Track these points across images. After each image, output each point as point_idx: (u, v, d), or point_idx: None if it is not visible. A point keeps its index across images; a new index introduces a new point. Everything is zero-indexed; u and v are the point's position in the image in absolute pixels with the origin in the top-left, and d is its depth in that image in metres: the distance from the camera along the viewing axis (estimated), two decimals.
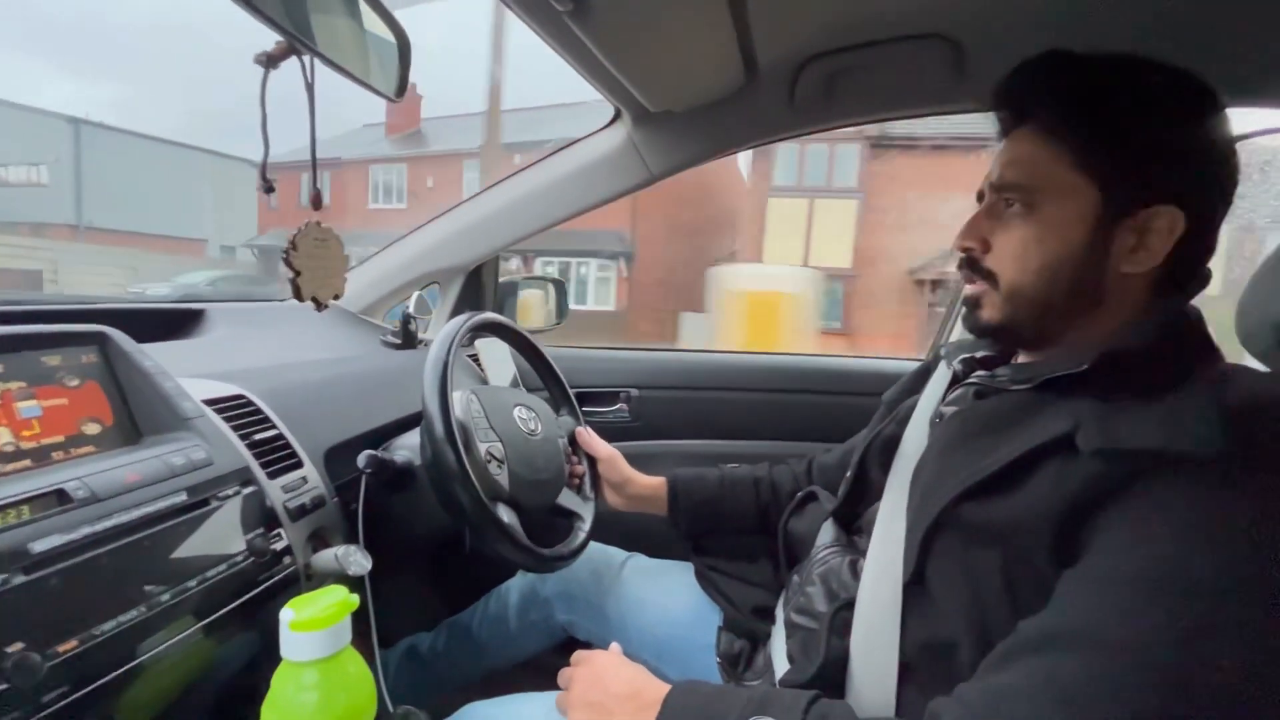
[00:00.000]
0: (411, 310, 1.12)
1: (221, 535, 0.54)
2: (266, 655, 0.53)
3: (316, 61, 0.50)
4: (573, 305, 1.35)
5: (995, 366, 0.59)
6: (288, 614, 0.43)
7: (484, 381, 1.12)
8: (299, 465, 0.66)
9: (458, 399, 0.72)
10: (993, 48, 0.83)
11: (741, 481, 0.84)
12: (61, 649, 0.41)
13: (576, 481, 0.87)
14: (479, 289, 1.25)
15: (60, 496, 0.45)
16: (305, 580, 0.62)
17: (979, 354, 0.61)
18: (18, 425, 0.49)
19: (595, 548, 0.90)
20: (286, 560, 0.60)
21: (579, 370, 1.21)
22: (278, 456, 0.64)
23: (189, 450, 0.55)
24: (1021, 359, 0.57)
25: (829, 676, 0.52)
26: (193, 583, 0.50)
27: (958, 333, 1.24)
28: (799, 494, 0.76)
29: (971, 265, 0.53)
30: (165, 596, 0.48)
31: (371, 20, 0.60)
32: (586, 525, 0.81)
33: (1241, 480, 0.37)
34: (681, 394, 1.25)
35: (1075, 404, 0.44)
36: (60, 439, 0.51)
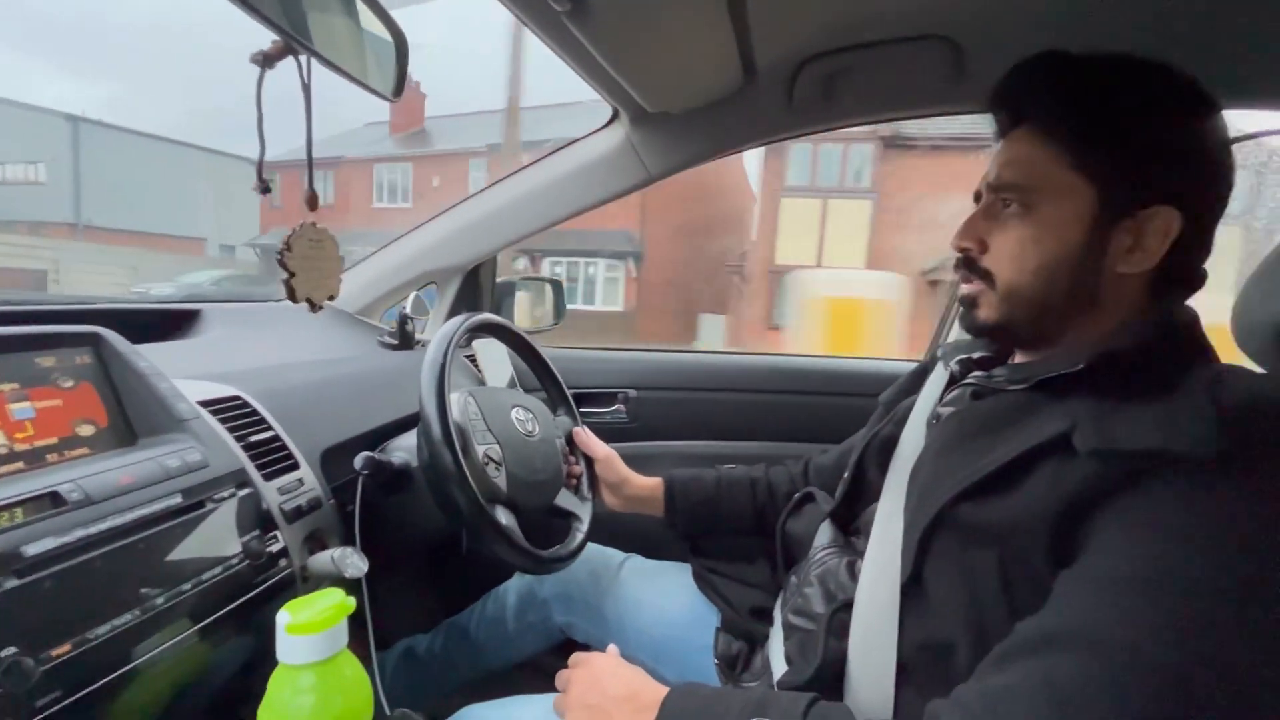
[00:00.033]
0: (409, 311, 1.12)
1: (217, 538, 0.54)
2: (262, 658, 0.53)
3: (314, 61, 0.49)
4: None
5: (992, 367, 0.59)
6: (284, 617, 0.43)
7: (481, 382, 1.12)
8: (295, 467, 0.66)
9: (455, 401, 0.72)
10: (991, 49, 0.83)
11: (738, 482, 0.84)
12: (55, 653, 0.41)
13: (574, 482, 0.87)
14: (476, 289, 1.25)
15: (54, 499, 0.45)
16: (301, 582, 0.61)
17: (976, 355, 0.61)
18: (11, 427, 0.48)
19: (593, 549, 0.90)
20: (283, 563, 0.59)
21: (576, 371, 1.21)
22: (274, 458, 0.64)
23: (184, 452, 0.55)
24: (1018, 359, 0.57)
25: (827, 678, 0.52)
26: (188, 586, 0.50)
27: (956, 333, 1.24)
28: (796, 495, 0.76)
29: (968, 265, 0.53)
30: (160, 600, 0.48)
31: (369, 19, 0.60)
32: (584, 526, 0.81)
33: (1237, 480, 0.37)
34: (679, 395, 1.25)
35: (1072, 404, 0.44)
36: (54, 441, 0.51)
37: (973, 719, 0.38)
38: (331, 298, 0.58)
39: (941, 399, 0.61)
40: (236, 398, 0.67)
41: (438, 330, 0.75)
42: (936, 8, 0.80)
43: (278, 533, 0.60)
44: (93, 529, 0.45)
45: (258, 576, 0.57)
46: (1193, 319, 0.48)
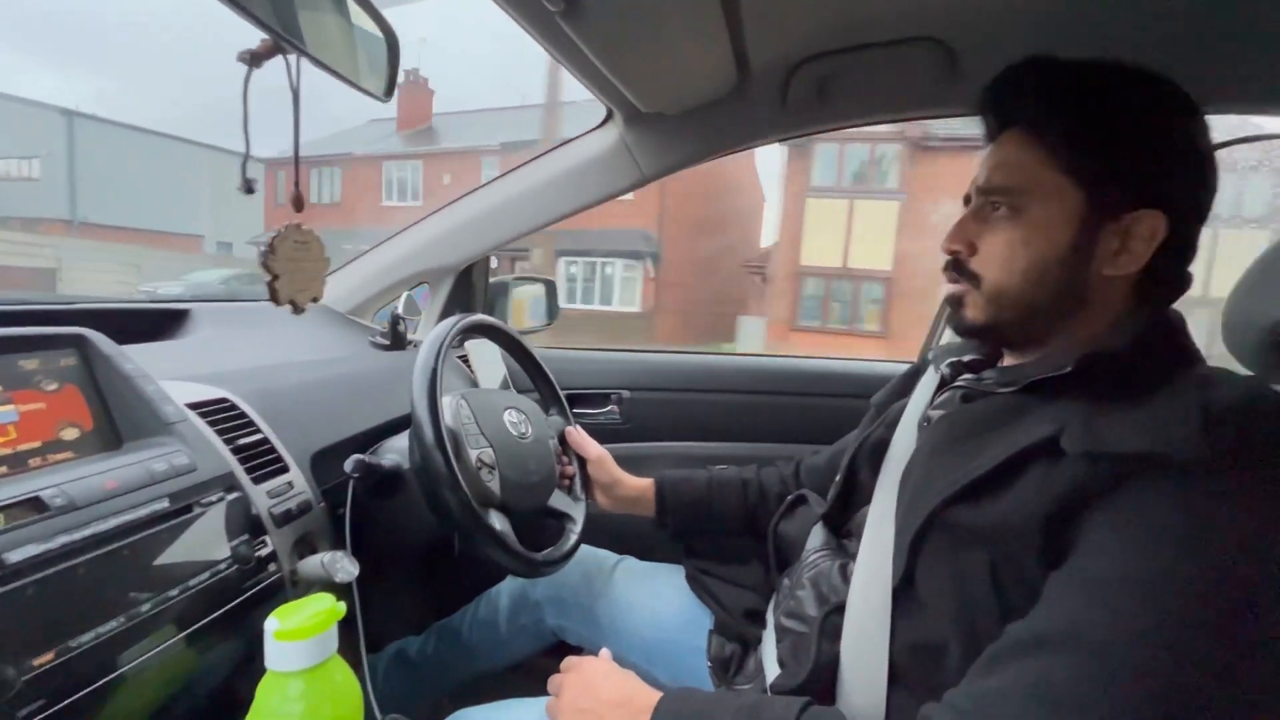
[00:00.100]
0: (401, 311, 1.11)
1: (204, 543, 0.53)
2: (251, 665, 0.53)
3: (304, 62, 0.49)
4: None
5: (982, 370, 0.59)
6: (272, 623, 0.42)
7: (474, 383, 1.11)
8: (285, 470, 0.65)
9: (447, 404, 0.72)
10: (984, 51, 0.83)
11: (729, 483, 0.84)
12: (37, 662, 0.40)
13: (567, 482, 0.87)
14: (469, 289, 1.24)
15: (37, 504, 0.44)
16: (291, 587, 0.61)
17: (966, 357, 0.62)
18: None
19: (586, 551, 0.90)
20: (272, 567, 0.59)
21: (570, 372, 1.21)
22: (263, 461, 0.63)
23: (171, 456, 0.54)
24: (1007, 361, 0.57)
25: (819, 681, 0.52)
26: (174, 592, 0.49)
27: (949, 337, 1.24)
28: (789, 497, 0.76)
29: (956, 267, 0.54)
30: (146, 606, 0.47)
31: (360, 18, 0.59)
32: (578, 526, 0.81)
33: (1225, 482, 0.37)
34: (672, 396, 1.25)
35: (1060, 407, 0.44)
36: (37, 445, 0.50)
37: None
38: (315, 299, 0.57)
39: (932, 402, 0.61)
40: (225, 400, 0.66)
41: (430, 332, 0.74)
42: (929, 11, 0.80)
43: (267, 537, 0.59)
44: (76, 535, 0.44)
45: (246, 581, 0.56)
46: (1179, 322, 0.49)
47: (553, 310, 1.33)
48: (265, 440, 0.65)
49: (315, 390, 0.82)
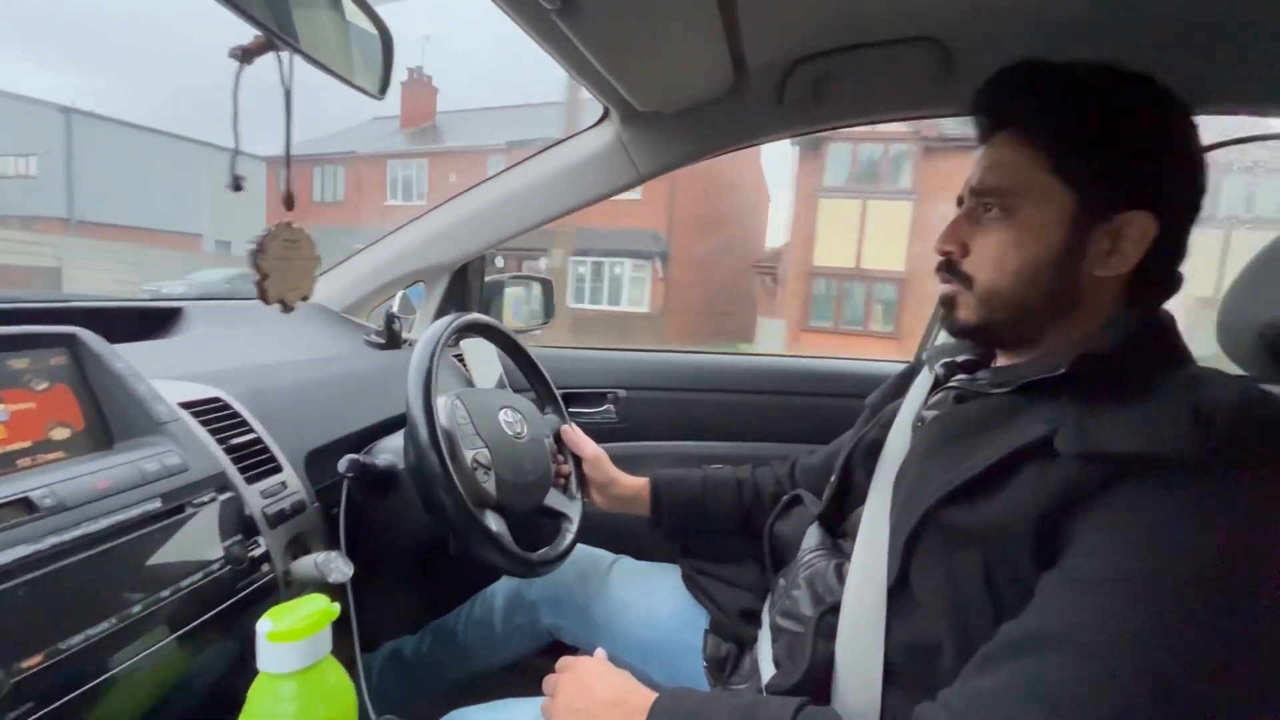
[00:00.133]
0: (396, 309, 1.10)
1: (197, 543, 0.53)
2: (244, 666, 0.52)
3: (297, 60, 0.48)
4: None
5: (976, 370, 0.59)
6: (265, 624, 0.42)
7: (469, 382, 1.11)
8: (278, 470, 0.65)
9: (442, 405, 0.71)
10: (980, 51, 0.83)
11: (724, 483, 0.84)
12: (26, 664, 0.40)
13: (563, 481, 0.87)
14: (465, 288, 1.24)
15: (26, 505, 0.44)
16: (284, 588, 0.60)
17: (960, 358, 0.62)
18: None
19: (582, 550, 0.89)
20: (265, 568, 0.58)
21: (566, 371, 1.21)
22: (256, 461, 0.63)
23: (163, 455, 0.53)
24: (1000, 362, 0.57)
25: (815, 681, 0.52)
26: (166, 593, 0.49)
27: (945, 338, 1.25)
28: (785, 497, 0.76)
29: (949, 268, 0.54)
30: (137, 608, 0.47)
31: (354, 14, 0.58)
32: (574, 525, 0.81)
33: (1216, 482, 0.38)
34: (669, 395, 1.25)
35: (1053, 407, 0.45)
36: (27, 445, 0.49)
37: None
38: (305, 298, 0.57)
39: (926, 402, 0.61)
40: (217, 399, 0.65)
41: (425, 331, 0.74)
42: (926, 10, 0.80)
43: (260, 537, 0.59)
44: (66, 536, 0.44)
45: (239, 582, 0.55)
46: (1169, 322, 0.49)
47: (549, 309, 1.33)
48: (258, 440, 0.65)
49: (309, 389, 0.82)
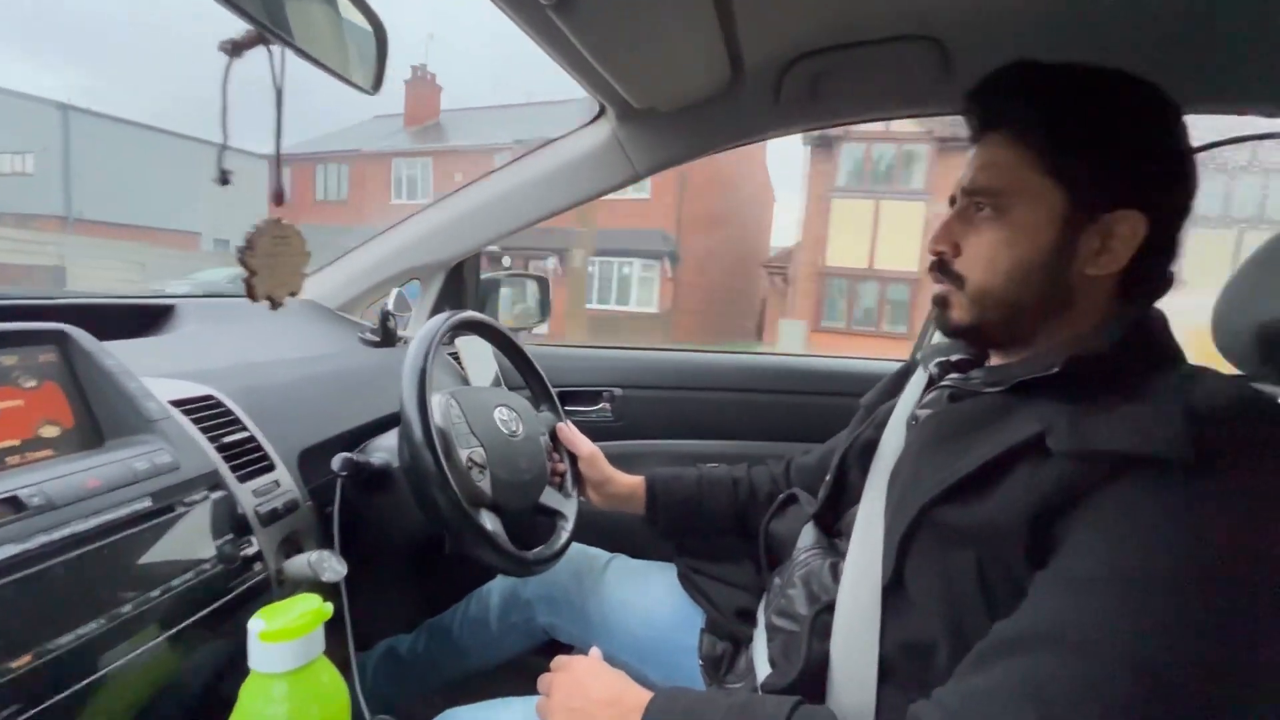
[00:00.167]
0: (391, 307, 1.10)
1: (188, 542, 0.53)
2: (236, 666, 0.52)
3: (289, 56, 0.48)
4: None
5: (969, 369, 0.60)
6: (257, 624, 0.42)
7: (465, 380, 1.11)
8: (271, 468, 0.64)
9: (437, 403, 0.71)
10: (977, 50, 0.83)
11: (720, 482, 0.84)
12: (14, 665, 0.39)
13: (558, 479, 0.86)
14: (460, 286, 1.23)
15: (14, 504, 0.43)
16: (277, 587, 0.60)
17: (954, 357, 0.62)
18: None
19: (578, 549, 0.89)
20: (257, 567, 0.58)
21: (561, 369, 1.20)
22: (248, 459, 0.62)
23: (153, 454, 0.53)
24: (994, 361, 0.57)
25: (810, 680, 0.52)
26: (157, 592, 0.48)
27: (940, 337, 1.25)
28: (780, 496, 0.76)
29: (941, 268, 0.54)
30: (128, 607, 0.46)
31: (349, 11, 0.58)
32: (569, 524, 0.81)
33: (1209, 481, 0.38)
34: (664, 394, 1.25)
35: (1046, 406, 0.45)
36: (15, 443, 0.49)
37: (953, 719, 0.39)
38: (294, 294, 0.56)
39: (920, 401, 0.61)
40: (209, 397, 0.65)
41: (420, 328, 0.73)
42: (923, 9, 0.80)
43: (252, 536, 0.58)
44: (55, 535, 0.43)
45: (231, 581, 0.55)
46: (1161, 321, 0.49)
47: (544, 307, 1.33)
48: (251, 438, 0.65)
49: (303, 387, 0.81)
